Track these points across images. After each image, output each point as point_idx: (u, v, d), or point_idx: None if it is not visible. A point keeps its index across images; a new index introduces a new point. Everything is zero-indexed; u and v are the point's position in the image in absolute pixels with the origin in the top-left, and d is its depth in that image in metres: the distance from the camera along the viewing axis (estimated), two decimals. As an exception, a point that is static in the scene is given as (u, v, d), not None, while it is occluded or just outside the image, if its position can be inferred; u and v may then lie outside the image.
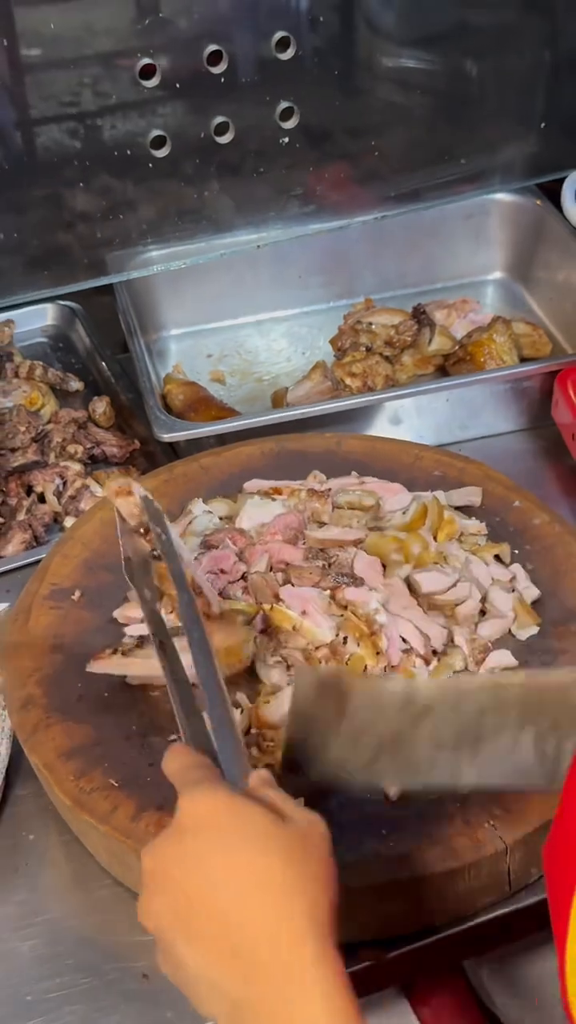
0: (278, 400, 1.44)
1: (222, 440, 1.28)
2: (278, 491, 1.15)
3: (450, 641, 1.01)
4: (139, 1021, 0.87)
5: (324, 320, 1.59)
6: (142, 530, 0.91)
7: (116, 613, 1.06)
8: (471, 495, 1.16)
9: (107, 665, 0.98)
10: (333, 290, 1.61)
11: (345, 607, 1.00)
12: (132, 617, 1.05)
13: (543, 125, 1.52)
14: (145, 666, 0.97)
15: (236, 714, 0.72)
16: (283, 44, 1.31)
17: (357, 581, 1.01)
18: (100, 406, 1.45)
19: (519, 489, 1.19)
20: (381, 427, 1.34)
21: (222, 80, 1.29)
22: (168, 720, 0.96)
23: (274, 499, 1.13)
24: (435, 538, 1.08)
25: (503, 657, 1.00)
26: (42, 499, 1.33)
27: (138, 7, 1.23)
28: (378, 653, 0.97)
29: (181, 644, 0.82)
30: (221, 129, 1.33)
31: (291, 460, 1.22)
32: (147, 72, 1.26)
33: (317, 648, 0.99)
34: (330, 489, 1.15)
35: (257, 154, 1.37)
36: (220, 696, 0.75)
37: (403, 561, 1.04)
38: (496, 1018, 1.05)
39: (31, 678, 1.00)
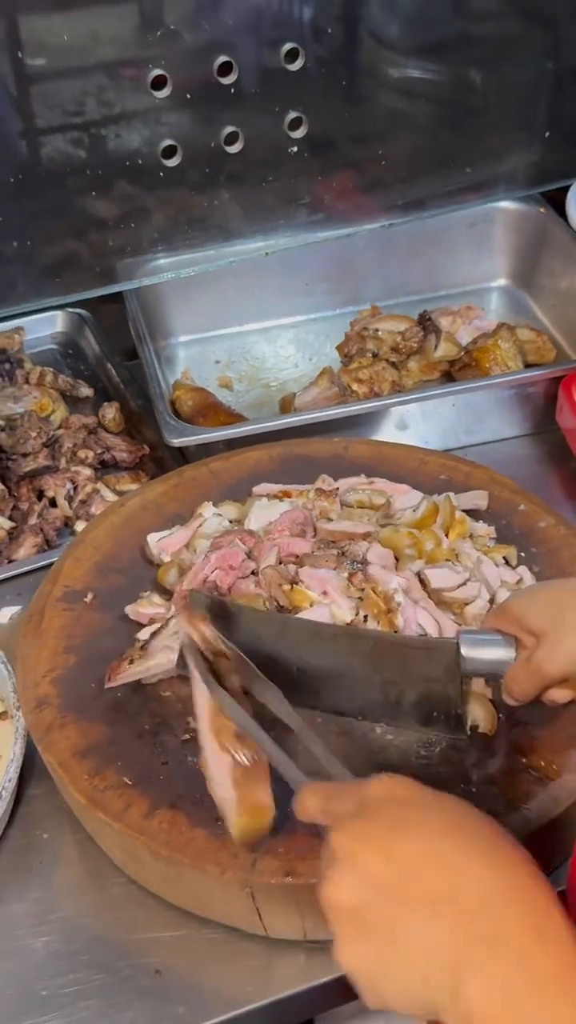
0: (286, 406, 1.45)
1: (230, 445, 1.29)
2: (287, 494, 1.16)
3: (457, 639, 1.02)
4: (152, 1016, 0.88)
5: (331, 327, 1.61)
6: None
7: (128, 609, 1.07)
8: (477, 498, 1.17)
9: (124, 676, 0.99)
10: (340, 297, 1.62)
11: (363, 588, 1.01)
12: (143, 614, 1.06)
13: (547, 134, 1.53)
14: (159, 665, 0.99)
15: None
16: (292, 55, 1.33)
17: (373, 567, 1.02)
18: (110, 412, 1.47)
19: (524, 492, 1.20)
20: (388, 432, 1.36)
21: (232, 90, 1.31)
22: (178, 719, 0.98)
23: (282, 501, 1.15)
24: (446, 536, 1.09)
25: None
26: (53, 503, 1.34)
27: (150, 19, 1.25)
28: (395, 631, 0.99)
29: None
30: (231, 139, 1.35)
31: (299, 464, 1.23)
32: (158, 83, 1.28)
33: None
34: (337, 488, 1.16)
35: (266, 163, 1.38)
36: (315, 736, 0.78)
37: (416, 556, 1.05)
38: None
39: (45, 679, 1.02)
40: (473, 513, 1.16)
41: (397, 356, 1.49)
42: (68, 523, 1.32)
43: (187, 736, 0.97)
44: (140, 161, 1.31)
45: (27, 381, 1.50)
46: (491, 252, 1.64)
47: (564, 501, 1.33)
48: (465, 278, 1.65)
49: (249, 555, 1.06)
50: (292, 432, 1.30)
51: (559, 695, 0.90)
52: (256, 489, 1.19)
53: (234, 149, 1.35)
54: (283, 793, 0.81)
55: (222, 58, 1.29)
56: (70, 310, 1.61)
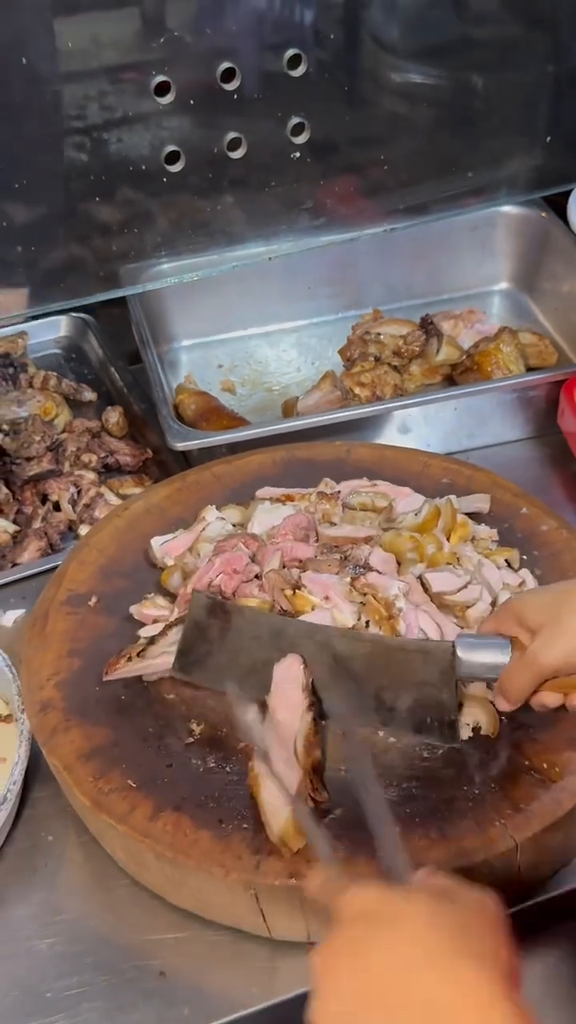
0: (288, 409, 1.46)
1: (233, 449, 1.30)
2: (289, 497, 1.17)
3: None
4: (157, 1018, 0.88)
5: (333, 331, 1.61)
6: None
7: (132, 609, 1.07)
8: (479, 502, 1.18)
9: (122, 671, 1.00)
10: (342, 301, 1.62)
11: (365, 593, 1.02)
12: (148, 615, 1.07)
13: (548, 139, 1.54)
14: (158, 663, 0.99)
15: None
16: (294, 61, 1.34)
17: (375, 572, 1.03)
18: (113, 416, 1.47)
19: (526, 496, 1.20)
20: (390, 435, 1.36)
21: (235, 96, 1.32)
22: (182, 722, 0.99)
23: (285, 505, 1.15)
24: (448, 540, 1.10)
25: (513, 660, 1.02)
26: (57, 507, 1.35)
27: (153, 25, 1.25)
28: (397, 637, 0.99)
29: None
30: (234, 144, 1.35)
31: (301, 468, 1.24)
32: (162, 89, 1.29)
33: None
34: (339, 492, 1.16)
35: (268, 168, 1.39)
36: (377, 794, 0.77)
37: (418, 560, 1.06)
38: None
39: (49, 682, 1.02)
40: (475, 516, 1.16)
41: (399, 360, 1.49)
42: (72, 527, 1.33)
43: (191, 739, 0.98)
44: (143, 167, 1.31)
45: (31, 385, 1.51)
46: (493, 256, 1.65)
47: (566, 504, 1.33)
48: (467, 282, 1.65)
49: (253, 559, 1.06)
50: (295, 436, 1.30)
51: (549, 699, 0.90)
52: (259, 493, 1.19)
53: (237, 154, 1.36)
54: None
55: (225, 64, 1.29)
56: (74, 315, 1.61)
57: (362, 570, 1.02)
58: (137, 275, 1.44)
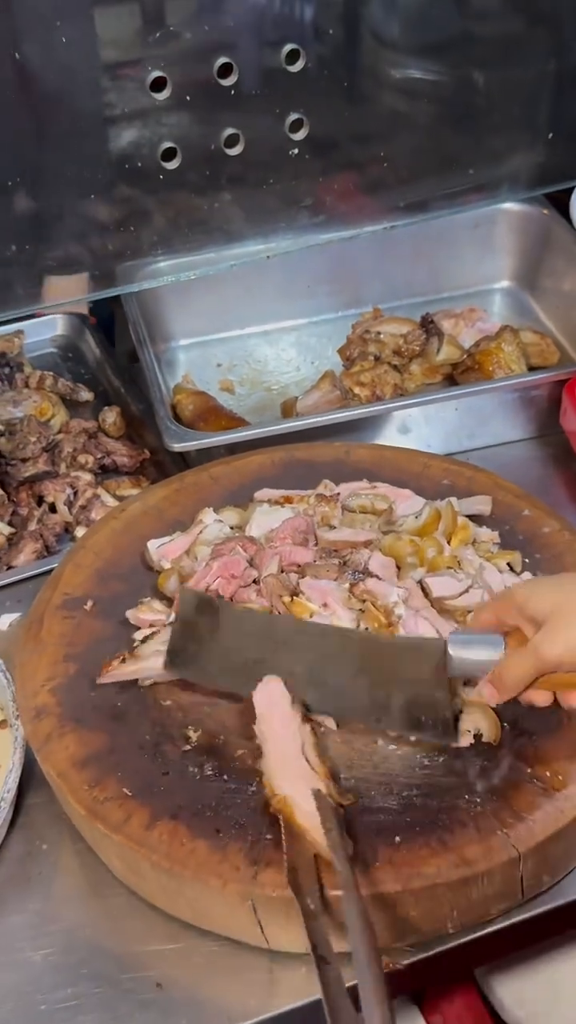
0: (287, 409, 1.44)
1: (232, 449, 1.28)
2: (288, 499, 1.15)
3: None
4: (153, 1030, 0.87)
5: (332, 329, 1.60)
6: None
7: (128, 614, 1.06)
8: (481, 504, 1.16)
9: (116, 674, 0.98)
10: (341, 299, 1.61)
11: (364, 600, 1.01)
12: (144, 619, 1.05)
13: (550, 135, 1.52)
14: (150, 667, 0.98)
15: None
16: (293, 56, 1.32)
17: (374, 577, 1.01)
18: (110, 416, 1.46)
19: (528, 497, 1.19)
20: (390, 436, 1.35)
21: (232, 92, 1.30)
22: (179, 728, 0.97)
23: (284, 507, 1.14)
24: (448, 543, 1.08)
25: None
26: (53, 509, 1.33)
27: (150, 20, 1.24)
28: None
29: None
30: (231, 141, 1.34)
31: (300, 469, 1.22)
32: (158, 84, 1.27)
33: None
34: (339, 494, 1.15)
35: (267, 165, 1.37)
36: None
37: (418, 564, 1.04)
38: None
39: (44, 687, 1.01)
40: (476, 518, 1.15)
41: (399, 359, 1.48)
42: (68, 529, 1.31)
43: (188, 746, 0.96)
44: (139, 164, 1.29)
45: (27, 385, 1.49)
46: (494, 254, 1.63)
47: (568, 505, 1.32)
48: (468, 280, 1.64)
49: (251, 563, 1.05)
50: (294, 436, 1.29)
51: (539, 697, 0.88)
52: (258, 495, 1.18)
53: (235, 151, 1.34)
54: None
55: (222, 59, 1.28)
56: (71, 313, 1.59)
57: (361, 576, 1.00)
58: (133, 274, 1.43)
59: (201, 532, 1.12)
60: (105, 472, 1.40)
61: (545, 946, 1.01)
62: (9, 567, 1.25)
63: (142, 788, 0.92)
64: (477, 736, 0.95)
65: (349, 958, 0.76)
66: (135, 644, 0.99)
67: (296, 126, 1.36)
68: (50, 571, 1.14)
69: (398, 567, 1.05)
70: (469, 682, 0.96)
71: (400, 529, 1.09)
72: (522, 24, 1.46)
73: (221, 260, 1.43)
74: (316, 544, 1.07)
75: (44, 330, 1.61)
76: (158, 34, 1.24)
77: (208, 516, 1.13)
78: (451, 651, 0.90)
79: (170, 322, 1.57)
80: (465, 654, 0.90)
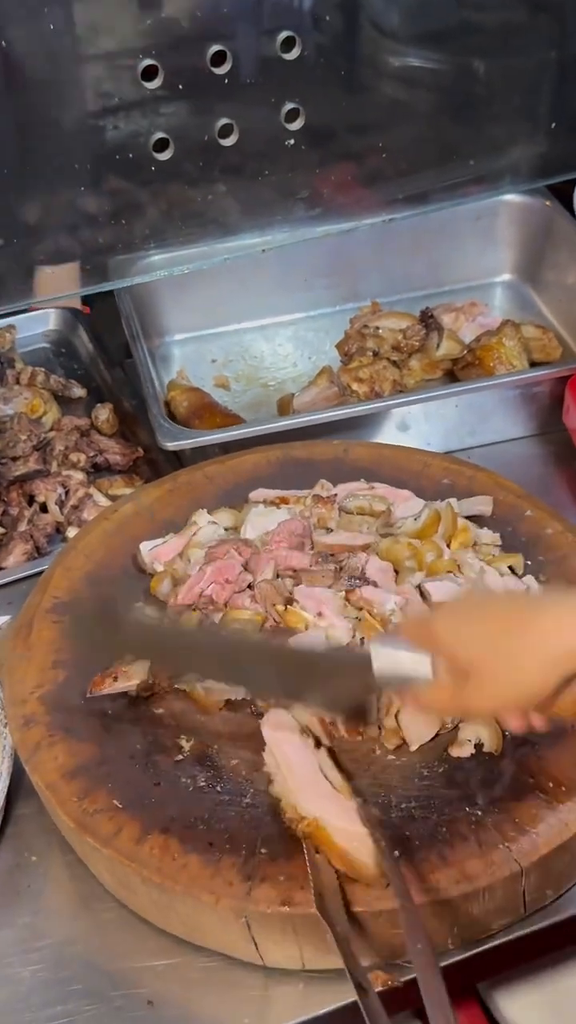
0: (284, 406, 1.42)
1: (226, 448, 1.26)
2: (284, 500, 1.13)
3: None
4: (144, 1049, 0.85)
5: (330, 324, 1.57)
6: None
7: (120, 621, 1.03)
8: (481, 504, 1.14)
9: (106, 690, 0.96)
10: (339, 293, 1.58)
11: (360, 608, 0.98)
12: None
13: (552, 125, 1.49)
14: (143, 682, 0.95)
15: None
16: (288, 44, 1.29)
17: (371, 583, 0.99)
18: (103, 413, 1.43)
19: (530, 498, 1.16)
20: (389, 433, 1.32)
21: (226, 81, 1.27)
22: (172, 738, 0.95)
23: (279, 508, 1.11)
24: (448, 546, 1.05)
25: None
26: (44, 509, 1.30)
27: (140, 6, 1.20)
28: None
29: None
30: (225, 131, 1.31)
31: (297, 468, 1.20)
32: (149, 73, 1.24)
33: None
34: (336, 495, 1.12)
35: (262, 156, 1.34)
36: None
37: (416, 568, 1.02)
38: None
39: (33, 695, 0.98)
40: (477, 519, 1.12)
41: (398, 355, 1.46)
42: (59, 529, 1.28)
43: (180, 756, 0.94)
44: (131, 155, 1.26)
45: (18, 381, 1.46)
46: (495, 247, 1.61)
47: (571, 505, 1.30)
48: (468, 273, 1.61)
49: (245, 567, 1.02)
50: (290, 434, 1.26)
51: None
52: (253, 495, 1.15)
53: (228, 142, 1.31)
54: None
55: (215, 47, 1.24)
56: (63, 307, 1.56)
57: (357, 582, 0.97)
58: (126, 268, 1.40)
59: (195, 534, 1.09)
60: (97, 471, 1.37)
61: (549, 959, 0.99)
62: (-1, 569, 1.22)
63: (133, 800, 0.90)
64: (478, 746, 0.93)
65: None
66: (119, 669, 0.96)
67: (292, 116, 1.33)
68: (40, 573, 1.11)
69: (396, 571, 1.02)
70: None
71: (398, 532, 1.06)
72: (523, 11, 1.43)
73: (215, 254, 1.40)
74: (312, 548, 1.04)
75: (36, 325, 1.58)
76: (149, 21, 1.21)
77: (202, 518, 1.11)
78: (375, 666, 0.83)
79: (165, 317, 1.54)
80: (391, 669, 0.82)
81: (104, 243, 1.31)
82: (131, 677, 0.95)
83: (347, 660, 0.89)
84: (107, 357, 1.52)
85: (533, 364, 1.42)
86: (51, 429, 1.40)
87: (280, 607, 0.97)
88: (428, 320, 1.48)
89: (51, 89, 1.20)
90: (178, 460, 1.30)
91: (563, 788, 0.90)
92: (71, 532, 1.27)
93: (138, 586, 1.08)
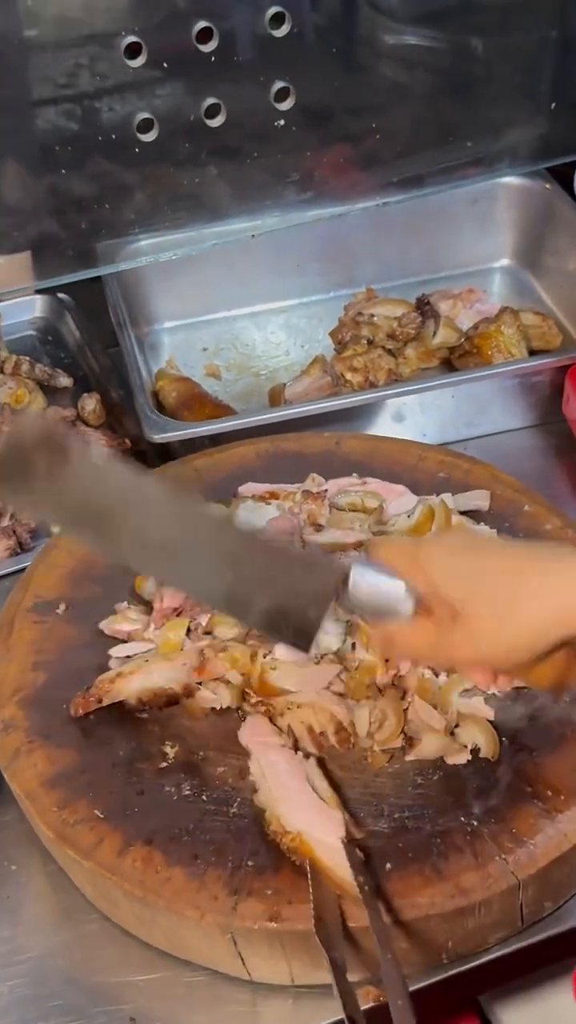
0: (275, 397, 1.38)
1: (216, 440, 1.22)
2: (274, 495, 1.09)
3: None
4: (126, 1067, 0.82)
5: (324, 311, 1.53)
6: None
7: (103, 625, 1.00)
8: (478, 499, 1.10)
9: (87, 705, 0.92)
10: (333, 279, 1.54)
11: (352, 611, 0.94)
12: (120, 631, 0.99)
13: (553, 105, 1.45)
14: (126, 690, 0.92)
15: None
16: (277, 20, 1.24)
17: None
18: (90, 403, 1.39)
19: (528, 492, 1.13)
20: (383, 424, 1.29)
21: (212, 59, 1.23)
22: (156, 744, 0.91)
23: (269, 504, 1.07)
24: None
25: (514, 676, 0.94)
26: (28, 503, 1.26)
27: (123, -19, 1.17)
28: (387, 660, 0.92)
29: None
30: (212, 111, 1.27)
31: (288, 461, 1.16)
32: (133, 51, 1.20)
33: (324, 655, 0.93)
34: (327, 491, 1.09)
35: (251, 138, 1.30)
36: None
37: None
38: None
39: (12, 699, 0.95)
40: (474, 514, 1.09)
41: (393, 343, 1.42)
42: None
43: (165, 764, 0.90)
44: (114, 136, 1.22)
45: (2, 371, 1.42)
46: (494, 231, 1.57)
47: (570, 498, 1.26)
48: (466, 259, 1.57)
49: (232, 566, 0.98)
50: (281, 426, 1.23)
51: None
52: (242, 489, 1.11)
53: (216, 122, 1.27)
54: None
55: (201, 23, 1.20)
56: (50, 293, 1.52)
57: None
58: (112, 253, 1.36)
59: (182, 531, 1.05)
60: (84, 463, 1.33)
61: (550, 971, 0.96)
62: (-20, 566, 1.18)
63: (115, 810, 0.87)
64: (474, 751, 0.90)
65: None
66: (109, 682, 0.92)
67: (282, 95, 1.29)
68: (23, 570, 1.08)
69: (389, 571, 0.98)
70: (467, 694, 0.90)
71: (392, 529, 1.03)
72: (523, -12, 1.39)
73: (204, 239, 1.36)
74: (302, 547, 1.01)
75: (22, 312, 1.53)
76: (132, -4, 1.17)
77: (189, 514, 1.07)
78: (351, 588, 0.76)
79: (154, 304, 1.50)
80: (368, 597, 0.76)
81: (87, 228, 1.27)
82: (116, 695, 0.91)
83: (320, 567, 0.80)
84: (94, 345, 1.48)
85: (532, 352, 1.39)
86: (36, 420, 1.36)
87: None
88: (424, 307, 1.44)
89: (30, 67, 1.16)
90: (167, 451, 1.26)
91: (561, 797, 0.86)
92: (55, 528, 1.23)
93: (123, 585, 1.04)
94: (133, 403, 1.28)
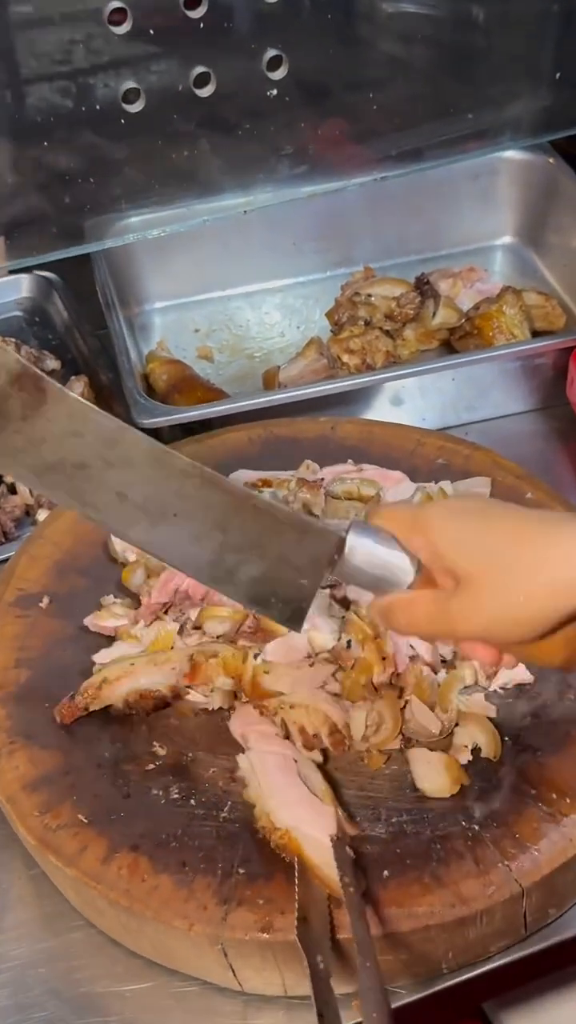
0: (269, 380, 1.34)
1: (207, 425, 1.18)
2: (267, 483, 1.05)
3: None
4: None
5: (320, 290, 1.48)
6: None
7: (87, 621, 0.96)
8: (479, 486, 1.06)
9: (73, 714, 0.88)
10: (330, 258, 1.50)
11: (347, 607, 0.91)
12: (106, 627, 0.95)
13: (557, 75, 1.40)
14: (112, 696, 0.88)
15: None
16: (270, -16, 1.19)
17: (353, 590, 0.91)
18: (78, 386, 1.34)
19: (531, 478, 1.09)
20: (381, 408, 1.25)
21: (201, 25, 1.17)
22: (144, 743, 0.88)
23: (261, 491, 1.03)
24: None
25: (517, 672, 0.90)
26: (12, 490, 1.22)
27: (106, -58, 1.11)
28: (384, 659, 0.89)
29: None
30: (201, 81, 1.21)
31: (281, 447, 1.12)
32: (117, 16, 1.14)
33: (318, 654, 0.89)
34: (322, 479, 1.05)
35: (242, 109, 1.25)
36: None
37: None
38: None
39: (-7, 697, 0.91)
40: (475, 502, 1.04)
41: (392, 324, 1.37)
42: (29, 512, 1.21)
43: (152, 765, 0.86)
44: (97, 107, 1.17)
45: (-13, 353, 1.37)
46: (495, 207, 1.52)
47: (574, 484, 1.23)
48: (467, 236, 1.53)
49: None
50: (275, 410, 1.19)
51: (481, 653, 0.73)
52: (233, 477, 1.07)
53: (205, 92, 1.21)
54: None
55: (189, -13, 1.15)
56: (38, 273, 1.48)
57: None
58: (102, 230, 1.31)
59: (170, 521, 1.01)
60: (71, 449, 1.29)
61: (557, 977, 0.92)
62: (-37, 556, 1.14)
63: (100, 814, 0.83)
64: (475, 751, 0.86)
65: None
66: (95, 690, 0.88)
67: (274, 64, 1.23)
68: (5, 561, 1.04)
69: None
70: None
71: (389, 519, 0.98)
72: (527, -48, 1.34)
73: (194, 215, 1.31)
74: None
75: (8, 292, 1.49)
76: (116, -42, 1.11)
77: (178, 502, 1.03)
78: (348, 555, 0.72)
79: (144, 283, 1.46)
80: (367, 565, 0.71)
81: (72, 203, 1.22)
82: (103, 702, 0.87)
83: (314, 532, 0.74)
84: (83, 327, 1.43)
85: (535, 334, 1.35)
86: (22, 405, 1.32)
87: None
88: (423, 287, 1.40)
89: (7, 34, 1.11)
90: (157, 437, 1.22)
91: (567, 799, 0.83)
92: (41, 515, 1.19)
93: (109, 577, 1.00)
94: (122, 386, 1.24)
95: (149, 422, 1.18)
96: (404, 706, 0.87)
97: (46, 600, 0.98)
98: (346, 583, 0.80)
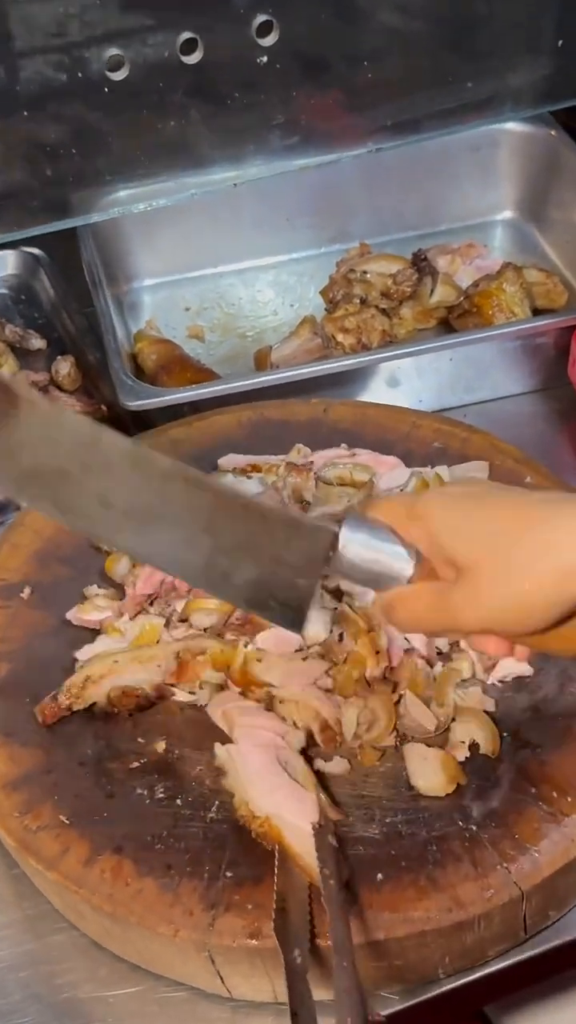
0: (261, 360, 1.30)
1: (196, 407, 1.14)
2: (256, 468, 1.02)
3: (456, 645, 0.89)
4: None
5: (315, 267, 1.45)
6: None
7: (70, 615, 0.93)
8: (476, 471, 1.03)
9: (56, 714, 0.85)
10: (324, 233, 1.46)
11: (340, 598, 0.88)
12: (89, 620, 0.92)
13: (559, 43, 1.36)
14: (96, 694, 0.84)
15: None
16: (259, -55, 1.15)
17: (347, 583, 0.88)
18: (64, 367, 1.31)
19: (530, 462, 1.05)
20: (377, 389, 1.21)
21: (188, -12, 1.13)
22: (128, 740, 0.85)
23: (250, 477, 1.00)
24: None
25: (516, 666, 0.87)
26: (-4, 475, 1.19)
27: None
28: (377, 652, 0.85)
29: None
30: (188, 47, 1.17)
31: (272, 430, 1.09)
32: (100, -21, 1.10)
33: (309, 646, 0.86)
34: (312, 463, 1.02)
35: (231, 77, 1.21)
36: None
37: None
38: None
39: (-28, 692, 0.88)
40: (473, 488, 1.01)
41: (388, 302, 1.34)
42: (10, 500, 1.17)
43: (137, 763, 0.83)
44: (79, 74, 1.13)
45: (-30, 333, 1.34)
46: (495, 180, 1.49)
47: (574, 467, 1.19)
48: (466, 211, 1.49)
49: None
50: (267, 392, 1.15)
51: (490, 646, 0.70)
52: (222, 462, 1.04)
53: (192, 59, 1.17)
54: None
55: (177, -51, 1.11)
56: (24, 249, 1.44)
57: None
58: (88, 204, 1.27)
59: (157, 508, 0.97)
60: (57, 431, 1.26)
61: (558, 981, 0.90)
62: (-55, 543, 1.11)
63: (82, 815, 0.80)
64: (472, 747, 0.83)
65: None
66: (77, 690, 0.84)
67: (264, 30, 1.19)
68: (-12, 550, 1.01)
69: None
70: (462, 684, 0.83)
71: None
72: None
73: (182, 188, 1.27)
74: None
75: (-7, 268, 1.46)
76: None
77: (164, 489, 0.99)
78: (343, 551, 0.68)
79: (133, 260, 1.42)
80: (362, 559, 0.68)
81: (54, 176, 1.18)
82: (86, 701, 0.84)
83: (306, 529, 0.71)
84: (70, 305, 1.39)
85: (536, 312, 1.31)
86: (6, 386, 1.28)
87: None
88: (421, 263, 1.36)
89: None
90: (146, 418, 1.18)
91: (568, 798, 0.79)
92: (7, 493, 1.15)
93: (92, 566, 0.97)
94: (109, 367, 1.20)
95: (136, 404, 1.14)
96: (398, 701, 0.83)
97: (27, 590, 0.95)
98: (343, 579, 0.76)
